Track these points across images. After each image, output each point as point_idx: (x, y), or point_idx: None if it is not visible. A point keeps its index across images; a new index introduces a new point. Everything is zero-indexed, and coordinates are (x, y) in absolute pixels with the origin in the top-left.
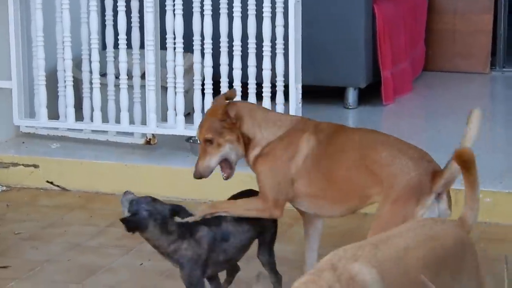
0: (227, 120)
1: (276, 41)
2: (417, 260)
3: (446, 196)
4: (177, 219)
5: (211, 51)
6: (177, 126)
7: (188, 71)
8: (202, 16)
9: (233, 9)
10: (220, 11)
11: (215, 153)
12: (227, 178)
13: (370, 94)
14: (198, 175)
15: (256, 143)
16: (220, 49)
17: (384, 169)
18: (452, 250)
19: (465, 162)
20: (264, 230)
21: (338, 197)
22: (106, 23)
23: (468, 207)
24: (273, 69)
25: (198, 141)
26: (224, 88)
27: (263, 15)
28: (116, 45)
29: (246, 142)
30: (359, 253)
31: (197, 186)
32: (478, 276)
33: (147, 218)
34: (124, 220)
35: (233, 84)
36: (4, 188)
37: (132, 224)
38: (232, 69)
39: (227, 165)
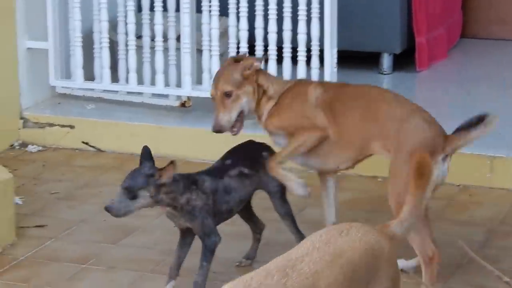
0: (246, 71)
1: (311, 5)
2: (329, 285)
3: (450, 159)
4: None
5: (247, 15)
6: None
7: (223, 34)
8: None
9: None
10: None
11: (234, 106)
12: (236, 133)
13: (405, 59)
14: (219, 128)
15: (270, 96)
16: (256, 13)
17: (398, 124)
18: (360, 263)
19: (421, 168)
20: (263, 184)
21: (339, 144)
22: None
23: (401, 216)
24: (308, 33)
25: (212, 96)
26: (259, 52)
27: None
28: (152, 8)
29: (260, 96)
30: (267, 281)
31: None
32: (392, 285)
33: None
34: (106, 209)
35: (268, 48)
36: (40, 148)
37: (114, 210)
38: (267, 32)
39: (240, 119)
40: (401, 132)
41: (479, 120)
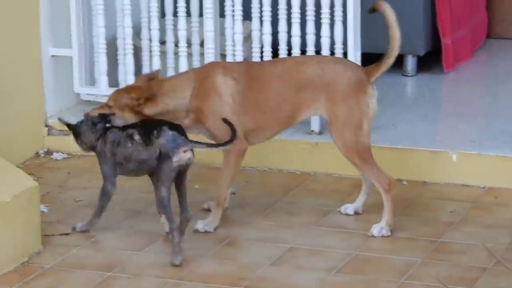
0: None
1: (334, 8)
2: None
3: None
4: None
5: (270, 19)
6: None
7: (247, 38)
8: None
9: None
10: None
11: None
12: None
13: (429, 61)
14: (85, 116)
15: (170, 111)
16: (279, 17)
17: (318, 81)
18: None
19: None
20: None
21: (275, 123)
22: None
23: None
24: (331, 36)
25: None
26: (282, 55)
27: None
28: (175, 13)
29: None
30: None
31: (261, 155)
32: None
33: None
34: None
35: (292, 52)
36: (65, 155)
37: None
38: (291, 36)
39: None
40: (327, 85)
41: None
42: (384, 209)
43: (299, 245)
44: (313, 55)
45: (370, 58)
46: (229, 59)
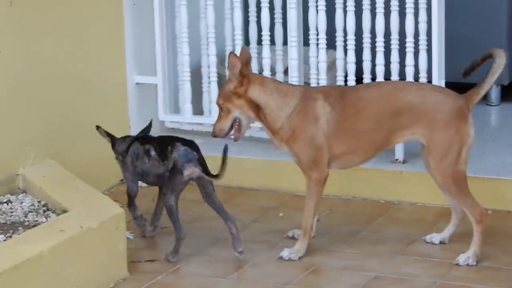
0: (236, 87)
1: (419, 37)
2: None
3: None
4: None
5: (354, 47)
6: None
7: (331, 67)
8: (345, 12)
9: (376, 5)
10: (363, 7)
11: (226, 117)
12: (235, 140)
13: None
14: (213, 135)
15: (270, 112)
16: (363, 45)
17: (418, 108)
18: None
19: None
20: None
21: (369, 147)
22: (249, 19)
23: None
24: (416, 65)
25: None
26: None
27: (406, 11)
28: (259, 41)
29: (255, 109)
30: None
31: (345, 183)
32: None
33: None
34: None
35: (375, 80)
36: None
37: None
38: (375, 65)
39: (237, 128)
40: (427, 113)
41: (483, 59)
42: (473, 239)
43: (384, 273)
44: (410, 81)
45: (452, 87)
46: None
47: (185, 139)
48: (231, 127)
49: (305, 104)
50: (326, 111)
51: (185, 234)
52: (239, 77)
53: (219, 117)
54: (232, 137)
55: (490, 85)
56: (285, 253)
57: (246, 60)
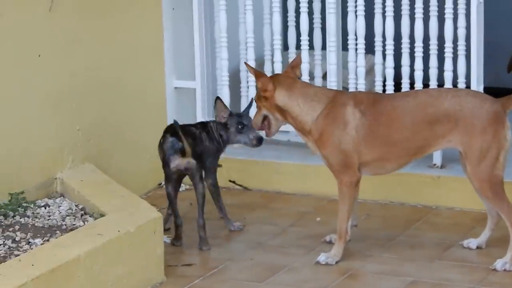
0: (262, 91)
1: (458, 43)
2: None
3: None
4: None
5: (393, 52)
6: None
7: (369, 72)
8: (384, 17)
9: (415, 11)
10: (402, 12)
11: (259, 112)
12: (267, 136)
13: None
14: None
15: (295, 116)
16: (402, 51)
17: (455, 115)
18: None
19: None
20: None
21: (403, 154)
22: (288, 24)
23: None
24: (454, 70)
25: None
26: (405, 89)
27: (445, 16)
28: (298, 46)
29: (282, 113)
30: None
31: (382, 188)
32: None
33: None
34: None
35: (414, 86)
36: (188, 186)
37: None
38: (414, 70)
39: (267, 125)
40: (465, 118)
41: None
42: (510, 244)
43: (421, 278)
44: (446, 88)
45: (491, 93)
46: None
47: (175, 130)
48: (264, 122)
49: (333, 108)
50: (355, 117)
51: (182, 222)
52: (265, 81)
53: (256, 112)
54: (265, 130)
55: None
56: (322, 257)
57: (294, 63)
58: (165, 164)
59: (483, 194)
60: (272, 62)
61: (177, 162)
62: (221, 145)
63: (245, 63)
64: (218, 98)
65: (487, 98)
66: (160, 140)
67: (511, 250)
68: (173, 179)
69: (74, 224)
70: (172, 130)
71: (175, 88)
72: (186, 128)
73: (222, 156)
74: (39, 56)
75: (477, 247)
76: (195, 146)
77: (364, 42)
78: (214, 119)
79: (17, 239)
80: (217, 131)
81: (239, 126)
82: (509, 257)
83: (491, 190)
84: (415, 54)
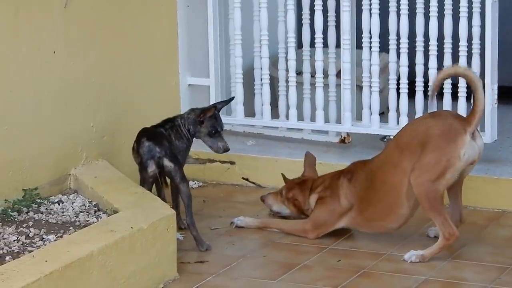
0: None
1: (472, 41)
2: None
3: (478, 133)
4: None
5: (407, 51)
6: (372, 125)
7: (383, 70)
8: (398, 15)
9: (430, 9)
10: (417, 11)
11: (276, 198)
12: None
13: None
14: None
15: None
16: (416, 49)
17: (415, 144)
18: None
19: None
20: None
21: (387, 209)
22: (302, 21)
23: None
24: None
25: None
26: (419, 87)
27: (460, 15)
28: (312, 44)
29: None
30: None
31: None
32: None
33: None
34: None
35: (429, 84)
36: (201, 184)
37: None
38: (428, 69)
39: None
40: (422, 139)
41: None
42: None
43: (434, 277)
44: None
45: (505, 92)
46: (365, 90)
47: (150, 133)
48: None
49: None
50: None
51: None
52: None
53: (275, 194)
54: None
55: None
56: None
57: (309, 162)
58: (143, 168)
59: (420, 203)
60: (286, 60)
61: (155, 167)
62: (190, 141)
63: (282, 174)
64: (215, 107)
65: (443, 116)
66: (134, 145)
67: (429, 249)
68: (149, 182)
69: (87, 221)
70: (148, 134)
71: (189, 85)
72: (157, 132)
73: (234, 153)
74: (54, 53)
75: (435, 236)
76: (172, 148)
77: (379, 40)
78: (180, 114)
79: (30, 235)
80: (185, 127)
81: (213, 131)
82: (421, 252)
83: (428, 201)
84: (430, 53)
